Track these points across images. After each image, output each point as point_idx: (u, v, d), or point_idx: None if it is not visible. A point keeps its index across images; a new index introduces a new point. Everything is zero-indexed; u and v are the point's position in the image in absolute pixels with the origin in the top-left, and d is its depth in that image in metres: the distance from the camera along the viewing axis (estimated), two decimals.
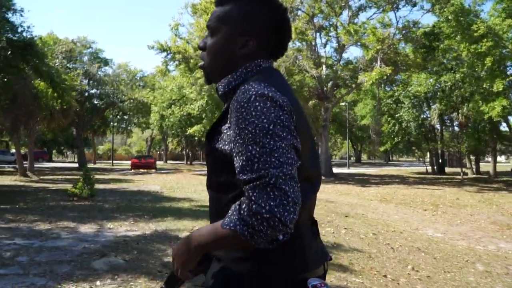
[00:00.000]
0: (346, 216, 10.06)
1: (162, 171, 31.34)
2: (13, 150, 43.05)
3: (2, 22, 13.97)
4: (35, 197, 12.00)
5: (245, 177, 1.00)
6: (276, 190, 0.95)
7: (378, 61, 18.91)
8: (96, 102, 33.62)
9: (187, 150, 50.57)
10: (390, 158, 65.23)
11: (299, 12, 22.19)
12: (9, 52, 14.27)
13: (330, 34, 24.65)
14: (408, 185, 20.99)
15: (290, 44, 21.69)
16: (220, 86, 1.22)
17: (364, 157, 75.48)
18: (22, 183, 17.96)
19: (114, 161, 54.18)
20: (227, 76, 1.20)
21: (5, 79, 14.16)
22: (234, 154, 1.04)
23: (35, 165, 40.74)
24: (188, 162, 51.33)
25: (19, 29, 14.31)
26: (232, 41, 1.20)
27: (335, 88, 24.92)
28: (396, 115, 31.19)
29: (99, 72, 32.32)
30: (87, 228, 7.05)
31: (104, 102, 32.89)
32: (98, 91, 32.24)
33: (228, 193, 1.12)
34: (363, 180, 23.84)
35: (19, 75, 14.10)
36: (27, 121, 16.66)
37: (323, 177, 24.04)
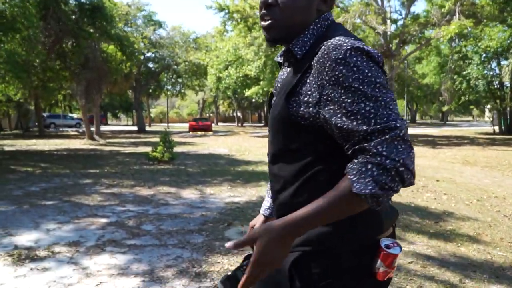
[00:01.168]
0: (437, 181, 9.47)
1: (218, 133, 31.49)
2: (73, 115, 44.79)
3: None
4: (117, 161, 12.17)
5: (362, 131, 0.92)
6: (403, 142, 0.91)
7: (457, 14, 17.39)
8: (151, 66, 33.75)
9: (238, 113, 50.53)
10: (447, 118, 62.29)
11: None
12: (78, 15, 14.22)
13: None
14: (481, 146, 19.75)
15: None
16: (297, 48, 1.12)
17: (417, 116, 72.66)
18: (93, 147, 18.47)
19: (170, 123, 55.41)
20: (300, 36, 1.12)
21: (76, 43, 14.16)
22: (337, 115, 0.97)
23: (93, 129, 42.42)
24: (239, 124, 51.44)
25: None
26: None
27: (401, 45, 23.47)
28: (464, 72, 29.25)
29: (154, 35, 32.23)
30: (189, 194, 6.92)
31: (160, 65, 32.93)
32: (154, 54, 32.25)
33: (301, 162, 1.07)
34: (430, 141, 22.74)
35: (90, 38, 14.09)
36: (98, 85, 16.87)
37: None
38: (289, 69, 1.16)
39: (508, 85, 31.46)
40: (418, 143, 21.29)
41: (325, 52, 1.00)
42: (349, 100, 0.95)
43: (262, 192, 7.01)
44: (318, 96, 1.02)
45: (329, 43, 1.01)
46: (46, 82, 15.31)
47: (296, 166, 1.09)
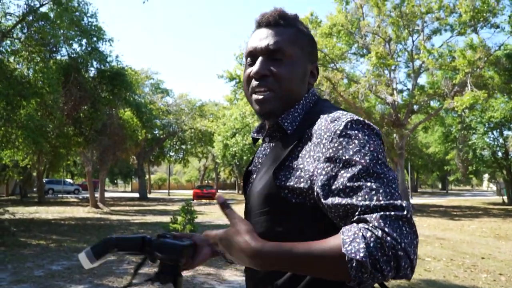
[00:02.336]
0: (482, 258, 8.81)
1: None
2: (70, 181, 43.98)
3: (93, 52, 13.89)
4: (131, 233, 11.41)
5: (366, 206, 0.82)
6: (409, 225, 0.81)
7: (468, 85, 17.64)
8: (155, 132, 33.72)
9: (239, 180, 50.03)
10: (446, 187, 61.92)
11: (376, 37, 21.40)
12: (98, 82, 14.17)
13: (399, 59, 23.65)
14: (500, 218, 19.12)
15: (367, 68, 20.88)
16: (287, 123, 1.05)
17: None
18: (98, 215, 17.70)
19: (165, 191, 54.53)
20: (290, 111, 1.06)
21: (94, 109, 13.97)
22: (333, 192, 0.87)
23: (87, 195, 41.52)
24: (240, 192, 50.77)
25: (108, 59, 14.21)
26: (306, 69, 1.09)
27: (409, 115, 23.67)
28: (469, 142, 29.39)
29: (161, 103, 32.57)
30: (232, 275, 6.21)
31: (165, 131, 32.91)
32: (160, 121, 32.36)
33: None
34: (444, 212, 22.10)
35: (109, 104, 13.95)
36: (113, 152, 16.50)
37: None
38: (271, 144, 1.11)
39: None
40: (433, 214, 20.65)
41: (323, 124, 0.96)
42: (348, 175, 0.86)
43: None
44: (312, 170, 0.93)
45: (326, 116, 0.97)
46: (57, 148, 14.89)
47: None
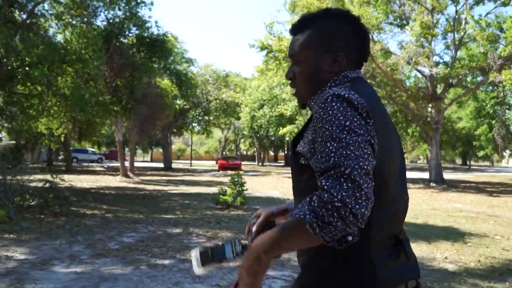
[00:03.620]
0: None
1: (249, 173, 30.48)
2: (91, 149, 44.09)
3: (132, 17, 13.36)
4: (179, 204, 11.20)
5: (319, 168, 1.01)
6: (350, 181, 0.94)
7: None
8: (179, 102, 33.34)
9: (260, 152, 49.83)
10: (469, 163, 60.84)
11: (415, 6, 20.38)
12: (137, 49, 13.69)
13: (436, 30, 22.54)
14: None
15: (409, 39, 19.98)
16: (313, 103, 1.26)
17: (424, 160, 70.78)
18: (132, 185, 17.60)
19: (186, 161, 54.65)
20: (318, 93, 1.24)
21: (135, 78, 13.53)
22: (310, 153, 1.11)
23: (112, 164, 41.58)
24: (260, 163, 50.63)
25: (147, 24, 13.64)
26: (321, 63, 1.25)
27: (447, 88, 22.81)
28: (503, 118, 28.46)
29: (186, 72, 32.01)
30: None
31: (191, 102, 32.45)
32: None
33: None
34: (478, 188, 21.48)
35: (151, 72, 13.48)
36: (153, 121, 16.13)
37: (434, 184, 22.14)
38: None
39: None
40: (468, 190, 20.06)
41: (319, 99, 1.12)
42: (319, 140, 1.05)
43: None
44: (310, 138, 1.14)
45: (325, 92, 1.13)
46: (94, 116, 14.57)
47: None
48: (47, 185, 8.28)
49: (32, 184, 9.29)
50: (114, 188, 15.56)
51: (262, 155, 51.88)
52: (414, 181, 25.96)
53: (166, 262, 5.04)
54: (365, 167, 0.97)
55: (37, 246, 5.62)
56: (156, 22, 14.18)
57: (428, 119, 22.40)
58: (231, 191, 10.57)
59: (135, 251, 5.54)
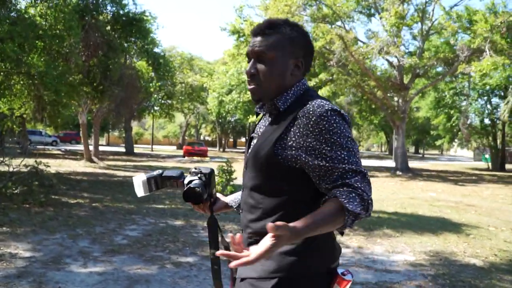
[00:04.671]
0: None
1: (215, 159, 30.04)
2: (45, 131, 41.70)
3: None
4: (163, 193, 10.72)
5: (343, 168, 1.21)
6: (369, 184, 1.22)
7: (487, 50, 17.33)
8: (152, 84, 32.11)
9: (222, 138, 49.36)
10: (423, 152, 63.52)
11: None
12: (113, 28, 12.85)
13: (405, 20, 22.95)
14: (503, 184, 19.49)
15: (385, 28, 20.15)
16: (280, 103, 1.39)
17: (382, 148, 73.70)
18: (102, 170, 16.79)
19: (144, 145, 53.17)
20: (283, 94, 1.39)
21: (109, 58, 12.70)
22: (317, 159, 1.24)
23: (69, 148, 39.63)
24: (221, 149, 50.22)
25: (124, 1, 12.79)
26: (286, 65, 1.40)
27: (414, 79, 23.40)
28: (462, 108, 29.69)
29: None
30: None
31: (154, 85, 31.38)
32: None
33: (276, 197, 1.32)
34: (439, 177, 22.37)
35: (127, 52, 12.68)
36: (129, 104, 15.24)
37: (400, 173, 22.79)
38: (270, 119, 1.43)
39: (499, 122, 32.23)
40: (432, 179, 20.82)
41: (311, 109, 1.28)
42: (328, 148, 1.24)
43: (429, 247, 5.96)
44: (302, 143, 1.27)
45: (313, 103, 1.30)
46: (63, 97, 13.61)
47: (275, 201, 1.33)
48: (31, 170, 7.57)
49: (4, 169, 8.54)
50: (83, 174, 14.73)
51: (224, 141, 51.41)
52: (379, 169, 26.68)
53: (190, 260, 4.72)
54: (367, 173, 1.24)
55: (38, 241, 5.09)
56: (134, 0, 13.27)
57: (396, 108, 22.93)
58: (219, 179, 10.25)
59: (148, 247, 5.16)
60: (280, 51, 1.37)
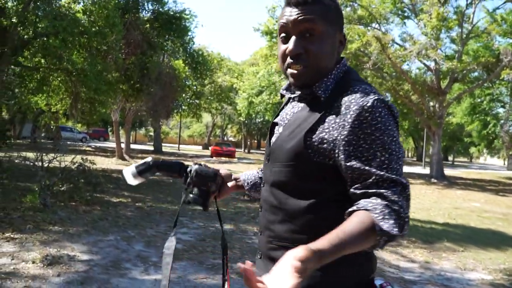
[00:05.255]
0: None
1: (243, 161, 29.81)
2: (73, 127, 42.34)
3: None
4: None
5: (380, 176, 1.00)
6: (408, 200, 1.00)
7: None
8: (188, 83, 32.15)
9: (247, 139, 49.20)
10: (448, 158, 61.83)
11: None
12: (153, 26, 12.75)
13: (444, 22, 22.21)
14: None
15: (424, 31, 19.51)
16: (320, 91, 1.15)
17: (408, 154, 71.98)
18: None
19: (170, 144, 53.46)
20: (323, 80, 1.16)
21: (147, 56, 12.59)
22: (351, 157, 1.03)
23: (99, 145, 40.12)
24: (246, 150, 50.06)
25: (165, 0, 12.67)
26: (335, 41, 1.17)
27: (451, 83, 22.64)
28: (499, 115, 28.70)
29: None
30: (409, 262, 5.38)
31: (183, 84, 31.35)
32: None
33: (303, 198, 1.11)
34: (476, 186, 21.55)
35: (166, 51, 12.54)
36: (166, 103, 15.16)
37: (435, 180, 22.06)
38: (301, 105, 1.20)
39: None
40: (470, 188, 20.05)
41: (353, 97, 1.07)
42: (366, 146, 1.02)
43: (472, 264, 5.54)
44: (336, 135, 1.06)
45: (357, 89, 1.09)
46: (99, 94, 13.61)
47: (302, 203, 1.11)
48: (79, 168, 7.44)
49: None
50: (118, 172, 14.69)
51: (249, 142, 51.25)
52: (411, 175, 25.92)
53: None
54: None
55: (93, 242, 4.90)
56: None
57: (432, 113, 22.23)
58: None
59: (205, 253, 4.91)
60: (329, 23, 1.14)
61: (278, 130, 1.25)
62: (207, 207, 1.34)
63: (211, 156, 30.85)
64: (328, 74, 1.16)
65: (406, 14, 24.09)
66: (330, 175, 1.08)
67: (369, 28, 21.84)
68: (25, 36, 10.78)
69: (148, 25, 13.04)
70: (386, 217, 0.94)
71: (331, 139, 1.07)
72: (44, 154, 7.14)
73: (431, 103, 23.35)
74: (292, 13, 1.13)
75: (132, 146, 44.06)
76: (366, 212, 0.95)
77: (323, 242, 0.89)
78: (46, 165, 7.04)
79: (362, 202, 0.98)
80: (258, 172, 1.52)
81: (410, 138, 54.67)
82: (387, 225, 0.93)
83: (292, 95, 1.25)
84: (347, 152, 1.03)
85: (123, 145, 21.84)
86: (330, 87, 1.15)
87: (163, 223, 6.37)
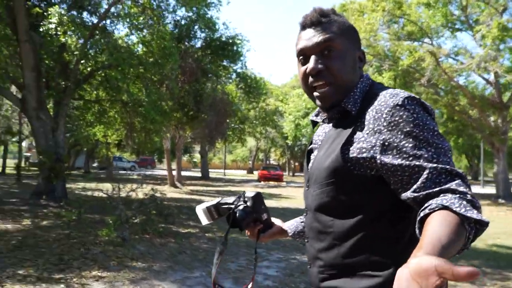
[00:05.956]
0: None
1: (291, 184, 29.29)
2: (124, 157, 43.45)
3: (200, 19, 12.48)
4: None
5: (434, 168, 0.93)
6: (471, 190, 0.93)
7: None
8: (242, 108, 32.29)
9: (291, 162, 48.68)
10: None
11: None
12: (206, 52, 12.77)
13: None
14: None
15: (482, 43, 18.64)
16: (350, 105, 1.12)
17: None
18: (188, 196, 16.65)
19: (212, 170, 53.73)
20: (350, 94, 1.14)
21: (199, 83, 12.58)
22: (397, 159, 0.98)
23: (147, 172, 40.83)
24: (290, 174, 49.49)
25: (216, 26, 12.70)
26: (355, 57, 1.17)
27: None
28: None
29: None
30: None
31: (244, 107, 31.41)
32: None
33: (349, 217, 1.05)
34: None
35: (219, 77, 12.52)
36: (223, 131, 15.12)
37: (503, 201, 20.61)
38: (332, 125, 1.19)
39: None
40: None
41: (383, 99, 1.03)
42: (410, 145, 0.96)
43: None
44: (374, 141, 1.02)
45: (385, 92, 1.06)
46: (153, 123, 13.71)
47: (349, 222, 1.05)
48: (149, 199, 7.29)
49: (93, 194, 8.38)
50: (174, 200, 14.61)
51: (293, 165, 50.70)
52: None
53: None
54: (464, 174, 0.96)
55: (181, 280, 4.60)
56: (224, 24, 13.21)
57: (496, 129, 20.96)
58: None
59: None
60: (347, 40, 1.15)
61: (313, 155, 1.23)
62: (244, 229, 1.35)
63: (259, 181, 30.54)
64: (354, 89, 1.14)
65: (457, 26, 23.28)
66: (374, 188, 1.03)
67: (419, 43, 21.19)
68: (87, 69, 11.02)
69: (200, 52, 13.08)
70: (468, 207, 0.87)
71: (369, 146, 1.02)
72: (121, 186, 7.00)
73: (491, 118, 22.15)
74: (308, 34, 1.14)
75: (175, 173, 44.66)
76: (444, 210, 0.86)
77: (428, 249, 0.76)
78: (123, 195, 6.90)
79: (433, 203, 0.88)
80: (300, 218, 1.47)
81: (463, 156, 52.21)
82: (474, 214, 0.85)
83: (323, 118, 1.24)
84: (390, 155, 0.98)
85: (175, 173, 21.94)
86: (359, 100, 1.12)
87: (242, 256, 6.02)
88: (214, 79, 12.97)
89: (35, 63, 10.18)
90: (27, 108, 10.47)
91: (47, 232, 6.99)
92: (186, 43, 12.48)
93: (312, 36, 1.13)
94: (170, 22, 12.92)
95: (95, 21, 11.43)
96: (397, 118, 0.98)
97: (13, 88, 14.26)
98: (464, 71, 18.87)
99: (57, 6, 9.95)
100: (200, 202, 10.06)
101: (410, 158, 0.95)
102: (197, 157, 68.06)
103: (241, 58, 12.88)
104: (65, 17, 9.32)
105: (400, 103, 0.99)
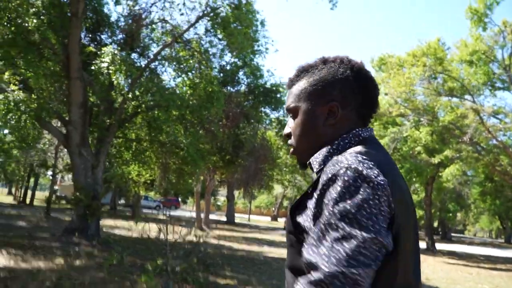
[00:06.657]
0: None
1: None
2: (148, 196, 43.55)
3: (246, 65, 12.58)
4: None
5: (304, 261, 0.92)
6: None
7: None
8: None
9: None
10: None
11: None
12: (247, 98, 12.80)
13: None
14: None
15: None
16: (315, 162, 1.09)
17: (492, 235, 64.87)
18: (215, 241, 16.20)
19: (240, 215, 53.09)
20: (322, 150, 1.08)
21: (240, 128, 12.53)
22: (308, 235, 0.96)
23: (172, 213, 40.68)
24: None
25: (261, 72, 12.81)
26: (315, 115, 1.11)
27: None
28: None
29: None
30: None
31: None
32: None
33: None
34: None
35: (260, 123, 12.51)
36: (261, 177, 14.97)
37: None
38: None
39: None
40: None
41: (327, 166, 0.99)
42: (320, 224, 0.91)
43: None
44: (314, 211, 0.97)
45: (335, 158, 1.00)
46: (192, 165, 13.63)
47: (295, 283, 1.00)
48: (193, 245, 6.96)
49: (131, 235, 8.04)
50: (208, 245, 14.19)
51: None
52: (497, 260, 22.75)
53: None
54: (352, 275, 0.83)
55: None
56: (268, 71, 13.41)
57: None
58: None
59: None
60: (303, 100, 1.11)
61: None
62: None
63: (284, 228, 29.80)
64: (324, 147, 1.08)
65: (497, 85, 22.90)
66: None
67: (459, 99, 20.85)
68: (132, 109, 11.11)
69: (243, 98, 13.14)
70: None
71: (311, 214, 0.96)
72: (166, 228, 6.72)
73: None
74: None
75: (202, 215, 44.24)
76: None
77: None
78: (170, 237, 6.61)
79: None
80: None
81: (496, 217, 49.96)
82: None
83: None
84: (308, 230, 0.96)
85: (203, 215, 21.63)
86: (319, 160, 1.08)
87: None
88: (255, 124, 12.94)
89: (83, 100, 10.34)
90: (71, 144, 10.52)
91: (81, 274, 6.72)
92: (230, 88, 12.53)
93: (287, 100, 1.16)
94: (215, 67, 13.10)
95: (143, 62, 11.66)
96: (324, 188, 0.93)
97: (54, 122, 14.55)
98: (508, 130, 18.23)
99: (110, 46, 10.19)
100: (230, 249, 9.77)
101: (308, 238, 0.92)
102: (221, 200, 67.79)
103: (283, 106, 12.84)
104: (117, 57, 9.48)
105: (334, 173, 0.92)
